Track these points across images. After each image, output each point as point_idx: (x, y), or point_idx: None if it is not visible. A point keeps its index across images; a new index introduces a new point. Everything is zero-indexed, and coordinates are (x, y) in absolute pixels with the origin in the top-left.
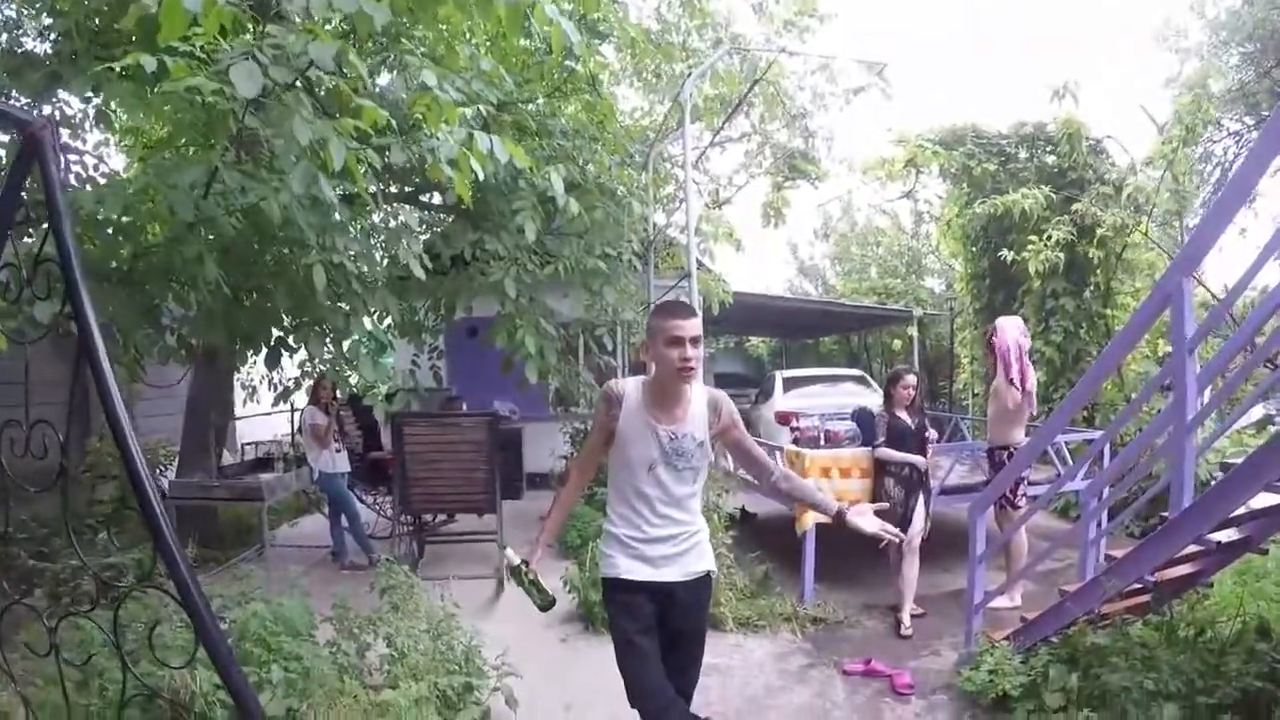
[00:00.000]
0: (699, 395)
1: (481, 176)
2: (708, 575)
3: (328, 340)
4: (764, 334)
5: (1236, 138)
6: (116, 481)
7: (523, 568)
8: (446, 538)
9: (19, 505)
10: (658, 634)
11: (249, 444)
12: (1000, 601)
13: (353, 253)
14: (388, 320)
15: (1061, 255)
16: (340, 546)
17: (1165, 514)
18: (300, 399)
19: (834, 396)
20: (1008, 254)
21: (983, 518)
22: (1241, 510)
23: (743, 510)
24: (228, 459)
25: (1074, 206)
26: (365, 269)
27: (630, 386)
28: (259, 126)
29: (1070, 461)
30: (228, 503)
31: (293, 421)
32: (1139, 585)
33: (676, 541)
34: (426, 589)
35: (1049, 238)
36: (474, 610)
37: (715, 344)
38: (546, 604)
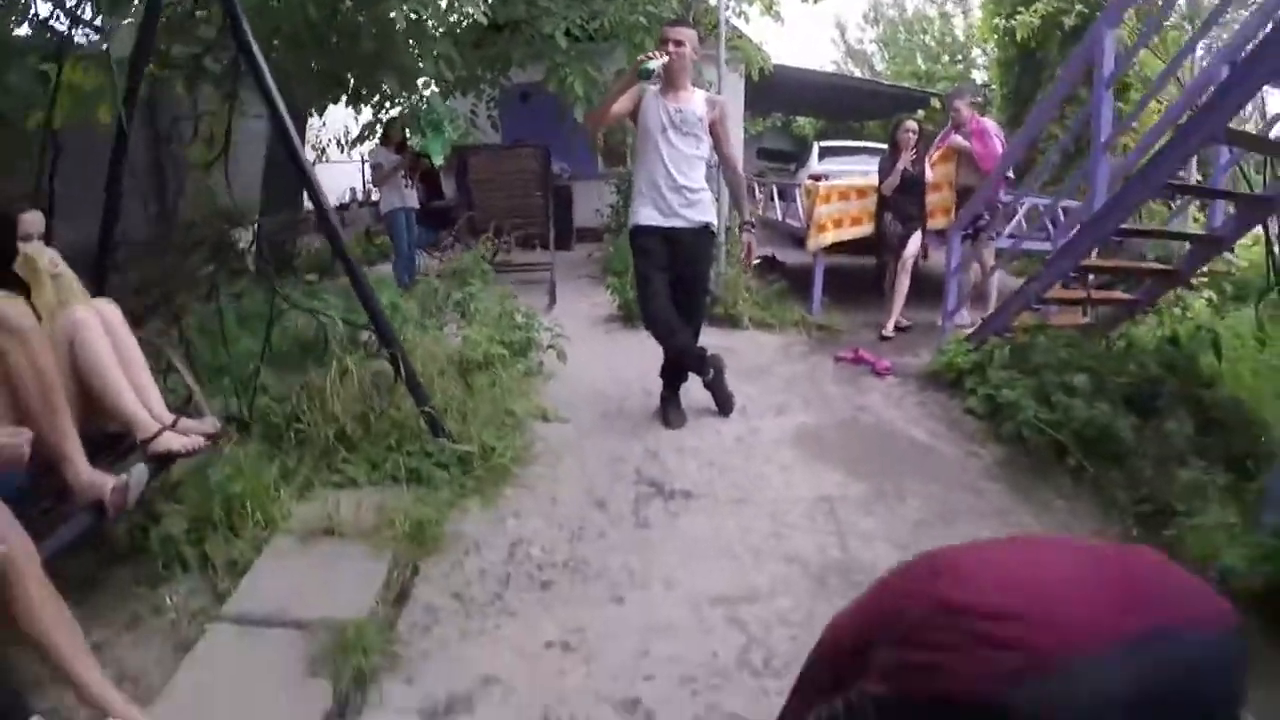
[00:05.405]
0: (701, 94)
1: None
2: (708, 227)
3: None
4: (809, 114)
5: None
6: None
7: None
8: (504, 268)
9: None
10: (668, 275)
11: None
12: (961, 318)
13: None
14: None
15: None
16: (400, 277)
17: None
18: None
19: (865, 164)
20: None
21: (957, 237)
22: None
23: (771, 257)
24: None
25: None
26: (430, 20)
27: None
28: None
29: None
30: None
31: (363, 173)
32: (1079, 300)
33: (684, 195)
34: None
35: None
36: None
37: (763, 122)
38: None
